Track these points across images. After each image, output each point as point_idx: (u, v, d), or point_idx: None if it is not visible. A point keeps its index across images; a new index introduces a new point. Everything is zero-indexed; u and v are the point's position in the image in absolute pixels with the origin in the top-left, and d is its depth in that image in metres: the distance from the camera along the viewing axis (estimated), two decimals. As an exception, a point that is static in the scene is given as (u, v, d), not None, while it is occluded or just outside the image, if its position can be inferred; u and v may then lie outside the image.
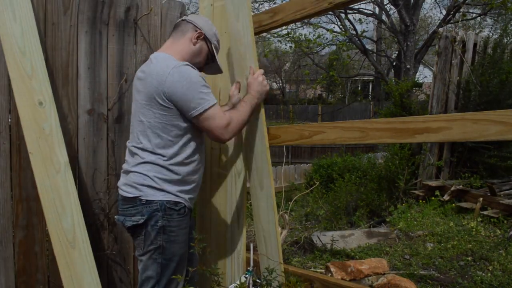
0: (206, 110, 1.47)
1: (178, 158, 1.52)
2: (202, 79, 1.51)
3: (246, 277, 1.61)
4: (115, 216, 1.62)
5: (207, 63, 1.72)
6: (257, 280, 1.65)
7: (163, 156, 1.50)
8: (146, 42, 2.05)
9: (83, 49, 1.86)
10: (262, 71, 1.74)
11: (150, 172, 1.50)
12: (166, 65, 1.48)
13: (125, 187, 1.54)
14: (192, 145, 1.56)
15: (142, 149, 1.52)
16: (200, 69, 1.71)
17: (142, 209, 1.49)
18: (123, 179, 1.58)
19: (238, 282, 1.59)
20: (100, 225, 1.95)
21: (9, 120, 1.69)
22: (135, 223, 1.49)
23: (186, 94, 1.45)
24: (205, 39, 1.65)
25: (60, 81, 1.80)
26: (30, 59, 1.64)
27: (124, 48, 1.98)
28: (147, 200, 1.49)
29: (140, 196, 1.49)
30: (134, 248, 1.65)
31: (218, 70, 1.76)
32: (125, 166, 1.60)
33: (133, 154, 1.56)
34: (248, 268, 1.64)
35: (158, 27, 2.09)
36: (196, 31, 1.62)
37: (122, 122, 2.00)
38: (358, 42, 10.13)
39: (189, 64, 1.51)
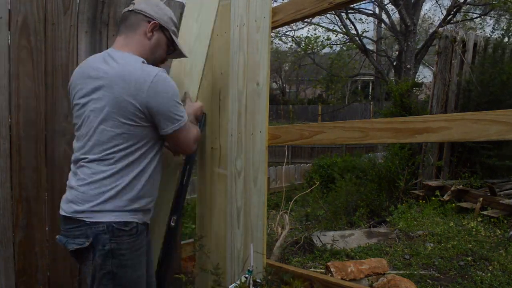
0: (183, 126, 1.39)
1: (132, 171, 1.35)
2: (178, 92, 1.41)
3: (246, 277, 1.61)
4: (57, 237, 1.39)
5: (168, 52, 1.57)
6: (257, 280, 1.65)
7: (113, 169, 1.31)
8: (146, 42, 2.05)
9: (83, 49, 1.86)
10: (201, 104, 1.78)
11: (96, 189, 1.30)
12: (143, 70, 1.31)
13: (67, 205, 1.33)
14: (150, 157, 1.40)
15: (90, 161, 1.33)
16: (163, 60, 1.58)
17: (86, 231, 1.29)
18: (65, 195, 1.38)
19: (238, 282, 1.59)
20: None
21: (9, 120, 1.69)
22: (78, 246, 1.30)
23: (169, 109, 1.34)
24: (161, 28, 1.47)
25: (60, 81, 1.80)
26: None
27: (124, 48, 1.98)
28: (91, 222, 1.29)
29: (83, 217, 1.29)
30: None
31: (181, 55, 1.63)
32: (69, 181, 1.39)
33: (79, 167, 1.35)
34: (248, 268, 1.64)
35: (158, 27, 2.09)
36: (149, 22, 1.43)
37: (122, 122, 2.00)
38: (359, 42, 10.14)
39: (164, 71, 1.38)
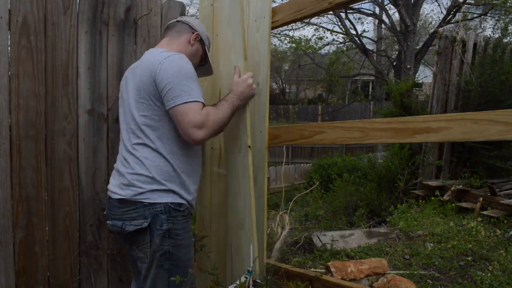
0: (182, 103, 1.36)
1: (179, 153, 1.46)
2: (194, 74, 1.45)
3: (246, 277, 1.61)
4: (108, 222, 1.51)
5: (201, 64, 1.74)
6: (257, 281, 1.65)
7: (163, 151, 1.43)
8: (146, 42, 2.05)
9: (83, 49, 1.86)
10: (251, 73, 1.65)
11: (151, 171, 1.41)
12: (160, 55, 1.44)
13: (122, 189, 1.43)
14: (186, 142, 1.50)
15: (141, 145, 1.44)
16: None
17: (144, 211, 1.39)
18: (117, 180, 1.48)
19: (238, 282, 1.59)
20: (100, 225, 1.95)
21: (9, 120, 1.69)
22: (138, 227, 1.38)
23: (171, 82, 1.37)
24: (201, 41, 1.68)
25: (60, 81, 1.80)
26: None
27: (124, 48, 1.98)
28: (149, 203, 1.39)
29: (141, 198, 1.39)
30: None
31: (209, 72, 1.80)
32: (119, 167, 1.50)
33: (129, 153, 1.47)
34: (248, 268, 1.64)
35: (158, 27, 2.09)
36: (193, 32, 1.65)
37: (122, 122, 2.00)
38: (358, 42, 10.14)
39: (184, 55, 1.49)
